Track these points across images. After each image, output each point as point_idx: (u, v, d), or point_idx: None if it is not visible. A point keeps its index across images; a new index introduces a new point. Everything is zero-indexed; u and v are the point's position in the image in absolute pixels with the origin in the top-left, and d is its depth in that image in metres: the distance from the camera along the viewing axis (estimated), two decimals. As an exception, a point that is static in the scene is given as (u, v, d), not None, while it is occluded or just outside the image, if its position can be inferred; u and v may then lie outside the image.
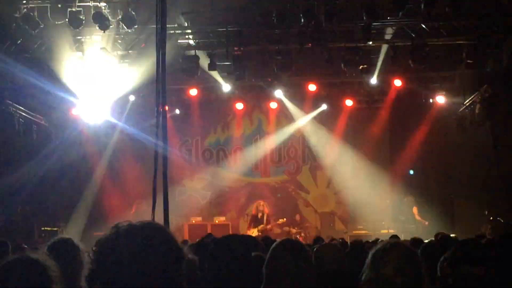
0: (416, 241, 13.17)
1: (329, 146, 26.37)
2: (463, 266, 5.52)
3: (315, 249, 7.52)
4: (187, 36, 20.00)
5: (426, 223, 22.76)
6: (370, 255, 4.20)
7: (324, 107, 25.58)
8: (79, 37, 19.93)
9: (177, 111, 25.47)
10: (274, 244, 5.06)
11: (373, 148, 25.62)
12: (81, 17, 17.55)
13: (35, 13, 17.72)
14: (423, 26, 19.44)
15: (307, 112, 25.91)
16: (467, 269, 5.47)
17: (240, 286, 4.83)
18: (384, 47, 20.46)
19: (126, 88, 23.30)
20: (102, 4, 17.83)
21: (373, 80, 22.73)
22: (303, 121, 26.17)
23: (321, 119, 26.22)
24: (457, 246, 5.92)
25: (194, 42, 20.22)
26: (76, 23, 17.69)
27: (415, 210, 23.46)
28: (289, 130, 26.50)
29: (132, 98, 24.19)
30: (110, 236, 2.88)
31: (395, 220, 23.80)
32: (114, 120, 25.18)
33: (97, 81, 22.72)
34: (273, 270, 4.68)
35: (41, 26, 18.04)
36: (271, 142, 26.62)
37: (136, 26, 18.15)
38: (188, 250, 2.97)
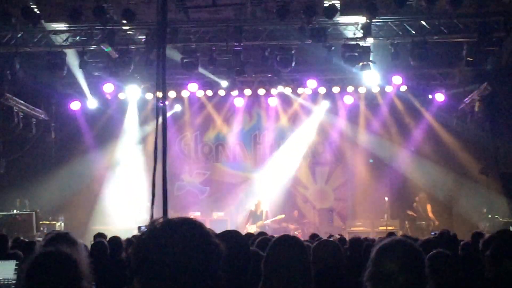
0: (410, 239, 13.22)
1: (328, 142, 26.38)
2: (505, 261, 5.51)
3: (313, 245, 7.52)
4: (187, 31, 20.01)
5: (437, 222, 22.84)
6: (374, 251, 4.20)
7: (326, 104, 25.62)
8: (79, 31, 19.98)
9: (178, 108, 25.53)
10: (272, 240, 5.07)
11: (372, 145, 25.62)
12: (81, 11, 17.53)
13: (36, 7, 17.72)
14: (424, 23, 19.46)
15: (307, 108, 25.96)
16: (510, 264, 5.46)
17: (238, 282, 4.84)
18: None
19: (128, 81, 23.35)
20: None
21: (373, 77, 22.79)
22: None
23: (321, 115, 26.27)
24: (499, 243, 5.90)
25: (195, 37, 20.23)
26: (76, 18, 17.68)
27: (429, 207, 23.56)
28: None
29: (133, 91, 24.19)
30: (148, 233, 2.88)
31: (396, 217, 23.86)
32: (114, 114, 25.28)
33: (98, 75, 22.78)
34: (271, 266, 4.68)
35: (42, 20, 18.07)
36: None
37: (137, 21, 18.21)
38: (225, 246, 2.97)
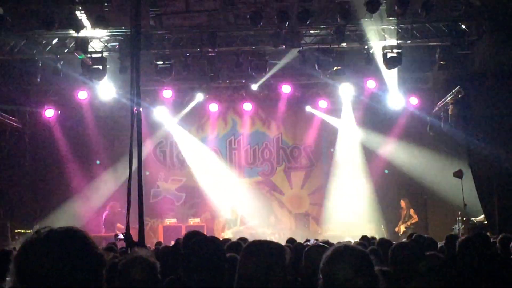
0: (364, 238, 13.43)
1: (303, 147, 26.45)
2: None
3: (306, 249, 7.58)
4: (161, 37, 19.99)
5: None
6: (323, 262, 4.22)
7: (301, 108, 25.65)
8: (52, 39, 19.88)
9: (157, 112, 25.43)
10: (245, 245, 5.07)
11: (347, 149, 25.70)
12: (54, 19, 17.45)
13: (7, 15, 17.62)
14: (396, 27, 19.56)
15: (282, 112, 25.99)
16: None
17: (216, 286, 4.85)
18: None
19: (102, 88, 23.18)
20: (77, 6, 17.79)
21: (347, 82, 22.93)
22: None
23: (296, 120, 26.33)
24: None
25: (168, 43, 20.21)
26: (49, 25, 17.60)
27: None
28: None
29: (107, 98, 24.03)
30: (31, 242, 2.88)
31: (372, 221, 23.99)
32: (89, 121, 25.16)
33: (72, 82, 22.64)
34: (244, 271, 4.69)
35: (14, 28, 18.00)
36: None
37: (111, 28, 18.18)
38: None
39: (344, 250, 4.21)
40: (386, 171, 25.65)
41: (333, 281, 4.09)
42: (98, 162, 25.78)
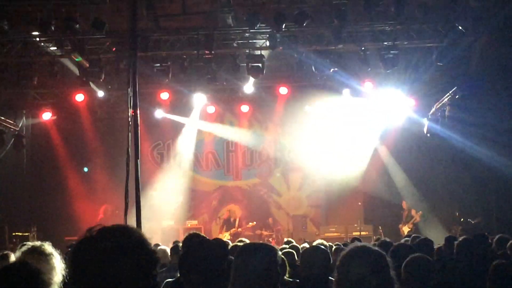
0: (385, 244, 13.38)
1: (301, 148, 26.41)
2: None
3: (302, 251, 7.56)
4: (158, 40, 19.94)
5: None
6: (340, 258, 4.24)
7: (299, 110, 25.55)
8: (48, 42, 19.84)
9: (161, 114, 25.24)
10: (238, 248, 5.06)
11: (346, 152, 25.65)
12: (51, 21, 17.40)
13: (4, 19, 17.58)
14: (393, 28, 19.51)
15: (279, 114, 25.92)
16: None
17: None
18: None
19: (99, 91, 23.17)
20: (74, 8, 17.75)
21: (345, 83, 22.84)
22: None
23: (293, 122, 26.26)
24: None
25: (165, 45, 20.16)
26: (46, 28, 17.56)
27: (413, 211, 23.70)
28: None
29: (104, 100, 24.01)
30: (83, 241, 2.88)
31: (370, 222, 23.97)
32: (86, 124, 25.12)
33: (68, 85, 22.61)
34: (238, 274, 4.68)
35: (10, 30, 17.95)
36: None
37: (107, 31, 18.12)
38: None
39: (361, 249, 4.25)
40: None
41: (347, 278, 4.11)
42: (86, 169, 25.76)
